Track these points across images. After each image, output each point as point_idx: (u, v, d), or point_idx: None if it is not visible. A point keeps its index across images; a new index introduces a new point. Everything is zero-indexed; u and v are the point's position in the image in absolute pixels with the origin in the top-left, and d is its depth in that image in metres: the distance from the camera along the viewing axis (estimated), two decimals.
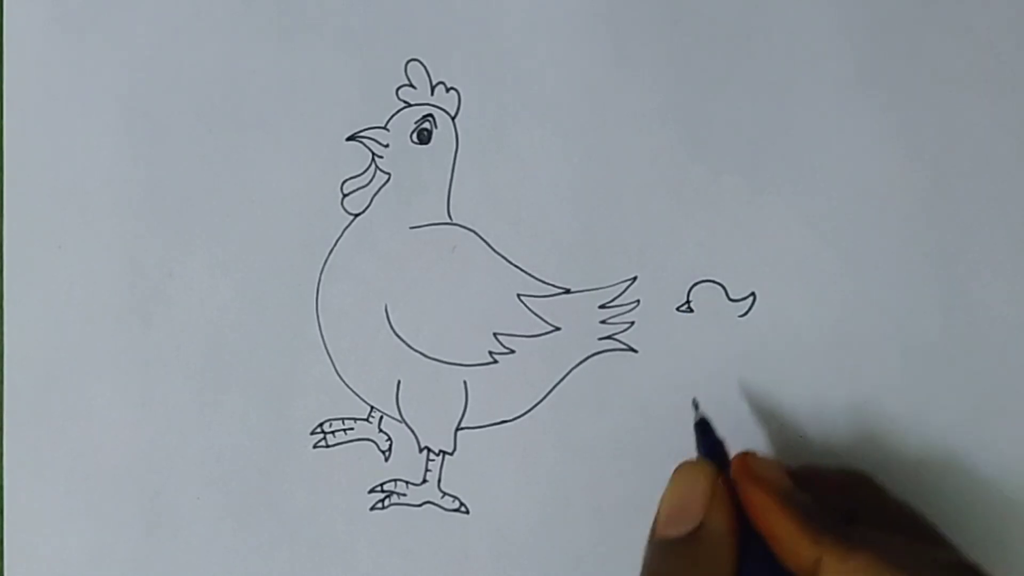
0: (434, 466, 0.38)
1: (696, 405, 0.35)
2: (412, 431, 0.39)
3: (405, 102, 0.39)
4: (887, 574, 0.29)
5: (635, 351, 0.38)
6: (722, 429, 0.34)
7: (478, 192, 0.39)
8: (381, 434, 0.39)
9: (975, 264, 0.37)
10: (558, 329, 0.38)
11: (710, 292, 0.38)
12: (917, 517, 0.34)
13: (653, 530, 0.32)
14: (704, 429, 0.34)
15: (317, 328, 0.39)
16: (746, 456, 0.32)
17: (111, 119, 0.40)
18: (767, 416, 0.37)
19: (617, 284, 0.38)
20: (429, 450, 0.38)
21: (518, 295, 0.38)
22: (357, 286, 0.39)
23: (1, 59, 0.40)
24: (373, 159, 0.39)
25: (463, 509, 0.38)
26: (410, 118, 0.39)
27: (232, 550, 0.39)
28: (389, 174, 0.39)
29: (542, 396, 0.38)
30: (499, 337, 0.38)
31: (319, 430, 0.39)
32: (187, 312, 0.39)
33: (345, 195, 0.39)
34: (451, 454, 0.38)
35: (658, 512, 0.32)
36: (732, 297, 0.38)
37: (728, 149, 0.38)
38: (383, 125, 0.39)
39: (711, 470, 0.32)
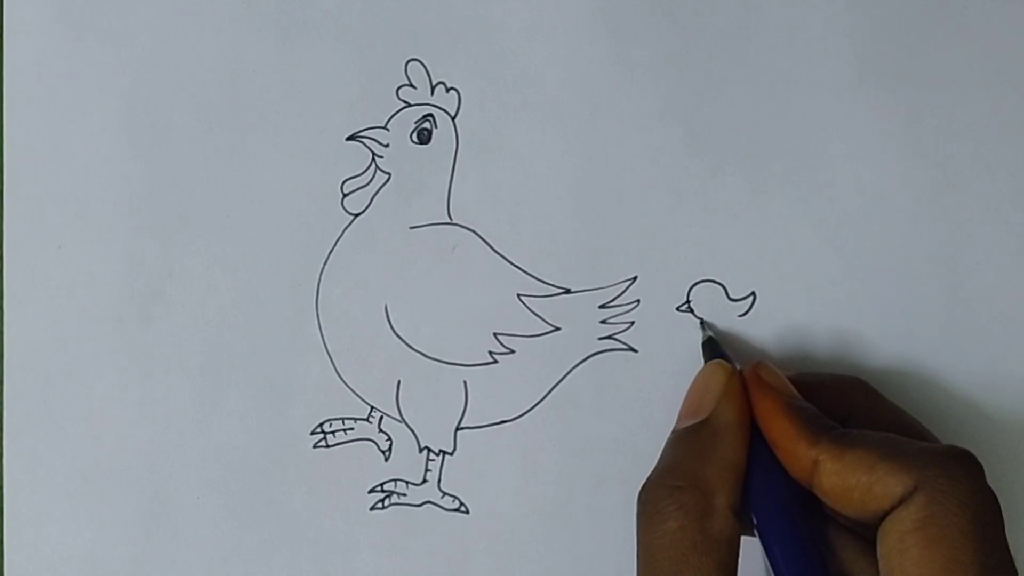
0: (434, 466, 0.38)
1: (703, 326, 0.37)
2: (412, 431, 0.39)
3: (405, 102, 0.39)
4: (881, 466, 0.29)
5: (635, 351, 0.38)
6: None
7: (478, 192, 0.39)
8: (381, 434, 0.39)
9: (976, 264, 0.37)
10: (558, 329, 0.38)
11: (710, 292, 0.38)
12: (908, 418, 0.34)
13: (673, 428, 0.33)
14: (712, 346, 0.36)
15: (317, 328, 0.39)
16: (758, 365, 0.33)
17: (111, 119, 0.40)
18: None
19: (617, 284, 0.38)
20: (429, 450, 0.38)
21: (518, 295, 0.38)
22: (357, 286, 0.39)
23: (1, 59, 0.40)
24: (373, 159, 0.39)
25: (463, 509, 0.38)
26: (410, 118, 0.39)
27: (232, 550, 0.39)
28: (389, 174, 0.39)
29: (542, 396, 0.38)
30: (499, 337, 0.38)
31: (319, 430, 0.39)
32: (187, 312, 0.39)
33: (345, 195, 0.39)
34: (451, 454, 0.38)
35: (679, 411, 0.34)
36: (732, 297, 0.38)
37: (728, 149, 0.38)
38: (383, 125, 0.39)
39: (728, 368, 0.34)
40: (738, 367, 0.34)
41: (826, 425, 0.31)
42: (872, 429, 0.32)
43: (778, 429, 0.32)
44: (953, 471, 0.29)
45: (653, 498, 0.31)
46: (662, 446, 0.37)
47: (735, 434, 0.32)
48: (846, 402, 0.34)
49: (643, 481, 0.35)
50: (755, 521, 0.32)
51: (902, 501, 0.29)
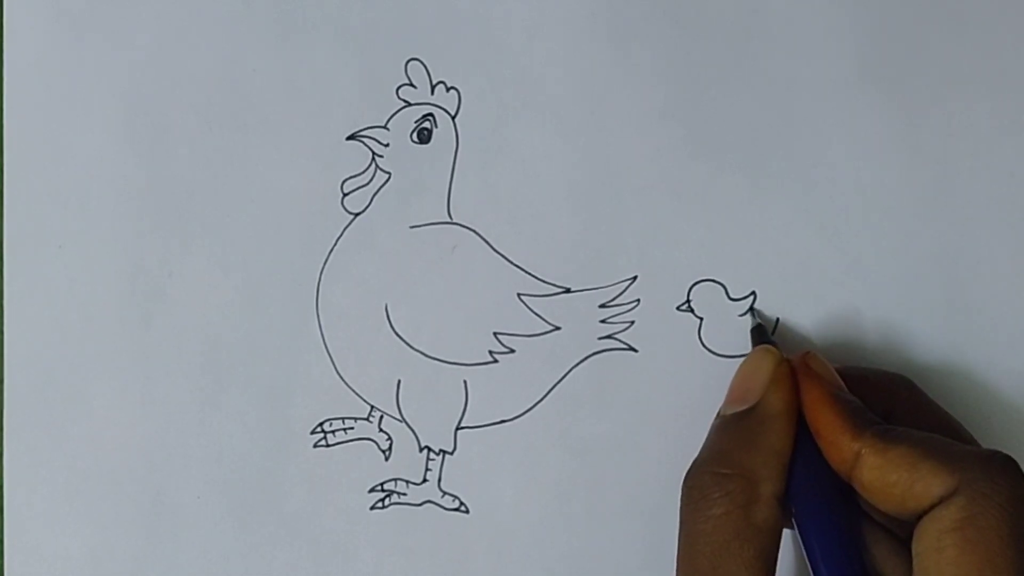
0: (434, 465, 0.38)
1: (754, 313, 0.37)
2: (412, 430, 0.39)
3: (405, 101, 0.39)
4: (924, 464, 0.29)
5: (635, 351, 0.38)
6: None
7: (478, 192, 0.39)
8: (381, 433, 0.39)
9: (976, 264, 0.37)
10: (558, 328, 0.38)
11: (710, 291, 0.38)
12: (952, 421, 0.34)
13: (719, 412, 0.34)
14: (760, 333, 0.36)
15: (317, 328, 0.39)
16: (807, 354, 0.33)
17: (111, 119, 0.40)
18: None
19: (617, 284, 0.38)
20: (429, 449, 0.38)
21: (518, 294, 0.38)
22: (357, 286, 0.39)
23: (1, 59, 0.40)
24: (373, 158, 0.39)
25: (463, 509, 0.38)
26: (410, 117, 0.39)
27: (232, 550, 0.39)
28: (389, 173, 0.39)
29: (542, 396, 0.38)
30: (499, 336, 0.38)
31: (319, 430, 0.39)
32: (187, 312, 0.39)
33: (345, 194, 0.39)
34: (451, 453, 0.38)
35: (726, 395, 0.34)
36: (732, 297, 0.38)
37: (729, 148, 0.38)
38: (383, 124, 0.39)
39: (776, 355, 0.33)
40: (785, 355, 0.34)
41: (870, 419, 0.31)
42: (915, 428, 0.32)
43: (823, 419, 0.32)
44: (995, 475, 0.29)
45: (699, 484, 0.31)
46: (661, 446, 0.38)
47: (783, 423, 0.32)
48: (890, 399, 0.34)
49: (642, 481, 0.35)
50: (794, 510, 0.32)
51: (942, 501, 0.29)
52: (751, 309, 0.37)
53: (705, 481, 0.31)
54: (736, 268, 0.38)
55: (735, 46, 0.38)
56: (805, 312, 0.38)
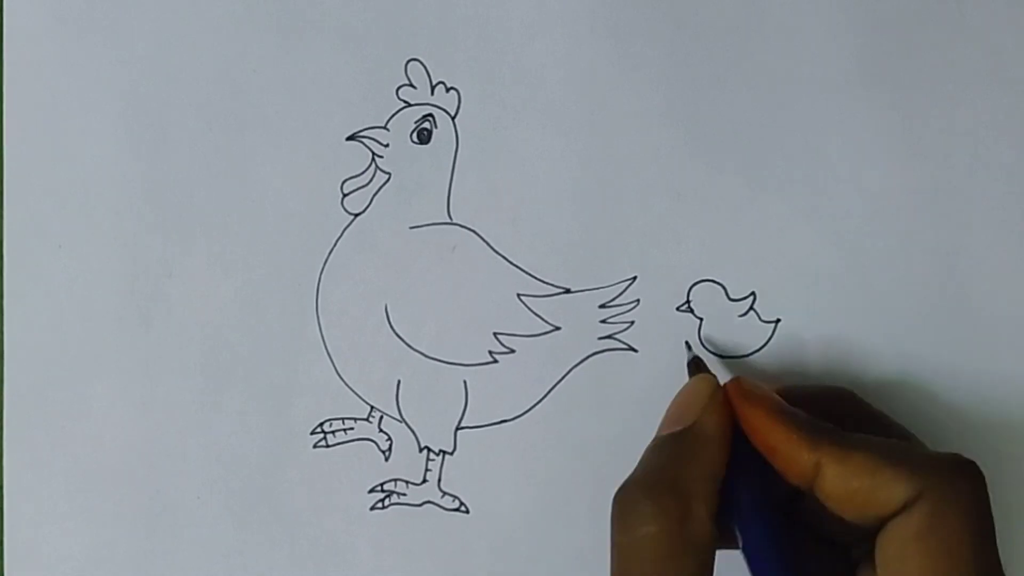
0: (434, 466, 0.38)
1: (689, 347, 0.37)
2: (412, 431, 0.39)
3: (405, 102, 0.39)
4: (884, 471, 0.29)
5: (635, 351, 0.38)
6: None
7: (478, 192, 0.39)
8: (381, 434, 0.39)
9: (976, 264, 0.38)
10: (558, 329, 0.38)
11: (710, 292, 0.38)
12: (897, 427, 0.34)
13: (656, 434, 0.33)
14: (698, 365, 0.36)
15: (317, 328, 0.39)
16: (739, 379, 0.33)
17: (111, 119, 0.40)
18: None
19: (617, 284, 0.38)
20: (429, 450, 0.38)
21: (518, 295, 0.38)
22: (357, 286, 0.39)
23: (1, 59, 0.40)
24: (373, 159, 0.39)
25: (463, 509, 0.38)
26: (410, 118, 0.39)
27: (232, 550, 0.39)
28: (389, 174, 0.39)
29: (542, 396, 0.38)
30: (499, 337, 0.38)
31: (319, 430, 0.39)
32: (187, 312, 0.39)
33: (345, 195, 0.39)
34: (451, 454, 0.38)
35: (663, 419, 0.33)
36: (732, 297, 0.38)
37: (729, 149, 0.38)
38: (383, 125, 0.39)
39: (712, 381, 0.33)
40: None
41: (825, 428, 0.31)
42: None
43: (776, 435, 0.31)
44: (957, 481, 0.29)
45: (631, 500, 0.31)
46: None
47: (717, 443, 0.32)
48: (834, 413, 0.33)
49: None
50: (738, 532, 0.31)
51: (905, 507, 0.29)
52: (687, 343, 0.37)
53: (637, 498, 0.31)
54: (736, 268, 0.38)
55: (735, 46, 0.38)
56: (805, 312, 0.38)
